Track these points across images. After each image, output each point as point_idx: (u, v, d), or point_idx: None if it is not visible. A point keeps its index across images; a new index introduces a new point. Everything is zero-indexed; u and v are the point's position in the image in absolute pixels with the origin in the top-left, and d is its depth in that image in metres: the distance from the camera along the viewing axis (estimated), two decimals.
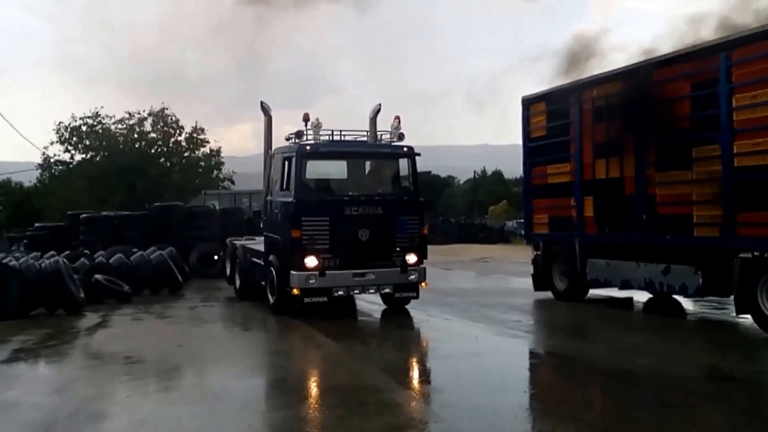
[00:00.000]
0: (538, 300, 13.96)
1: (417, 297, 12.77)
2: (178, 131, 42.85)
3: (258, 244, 14.68)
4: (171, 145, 43.01)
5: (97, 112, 41.07)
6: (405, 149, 12.81)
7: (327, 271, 11.93)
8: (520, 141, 14.69)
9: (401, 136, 12.90)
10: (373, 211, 12.32)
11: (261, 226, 14.81)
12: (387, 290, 12.54)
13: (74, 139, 40.85)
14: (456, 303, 13.93)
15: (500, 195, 65.56)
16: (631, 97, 11.65)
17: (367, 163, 13.63)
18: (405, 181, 12.99)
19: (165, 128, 42.51)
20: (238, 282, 15.76)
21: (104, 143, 41.13)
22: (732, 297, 10.24)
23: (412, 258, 12.42)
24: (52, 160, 41.68)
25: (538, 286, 14.26)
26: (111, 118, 41.57)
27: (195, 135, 42.90)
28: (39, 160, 42.45)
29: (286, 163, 12.58)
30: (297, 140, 12.54)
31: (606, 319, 12.05)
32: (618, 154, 11.89)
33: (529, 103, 14.40)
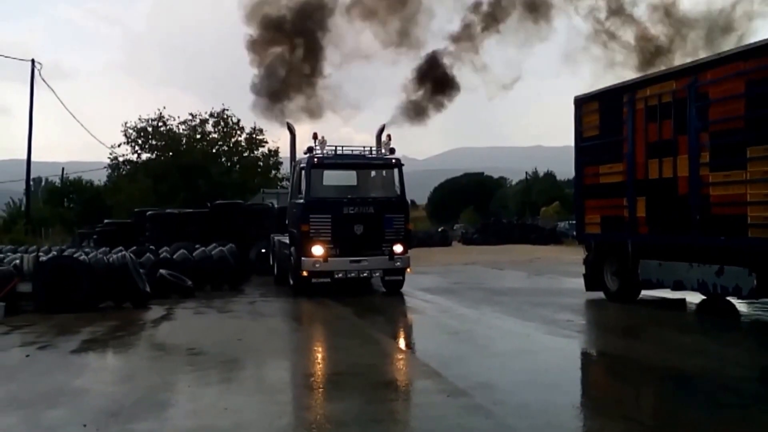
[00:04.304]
0: (589, 300, 13.93)
1: (403, 280, 15.59)
2: (238, 131, 43.72)
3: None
4: (231, 145, 43.91)
5: (161, 114, 42.31)
6: (394, 161, 15.73)
7: (329, 258, 14.76)
8: (572, 142, 14.67)
9: (392, 150, 15.86)
10: (366, 210, 15.15)
11: (286, 222, 17.38)
12: (377, 274, 15.27)
13: (140, 139, 42.13)
14: (508, 302, 14.04)
15: (552, 196, 64.86)
16: None
17: (373, 172, 16.45)
18: (394, 186, 15.73)
19: (226, 129, 43.41)
20: (275, 269, 18.34)
21: (168, 143, 42.30)
22: None
23: (398, 248, 15.23)
24: (120, 159, 43.08)
25: (589, 286, 14.22)
26: (175, 119, 42.76)
27: (254, 135, 43.67)
28: (108, 159, 43.94)
29: (301, 171, 15.35)
30: (308, 153, 15.25)
31: (658, 320, 11.96)
32: (671, 153, 11.82)
33: (581, 102, 14.35)
